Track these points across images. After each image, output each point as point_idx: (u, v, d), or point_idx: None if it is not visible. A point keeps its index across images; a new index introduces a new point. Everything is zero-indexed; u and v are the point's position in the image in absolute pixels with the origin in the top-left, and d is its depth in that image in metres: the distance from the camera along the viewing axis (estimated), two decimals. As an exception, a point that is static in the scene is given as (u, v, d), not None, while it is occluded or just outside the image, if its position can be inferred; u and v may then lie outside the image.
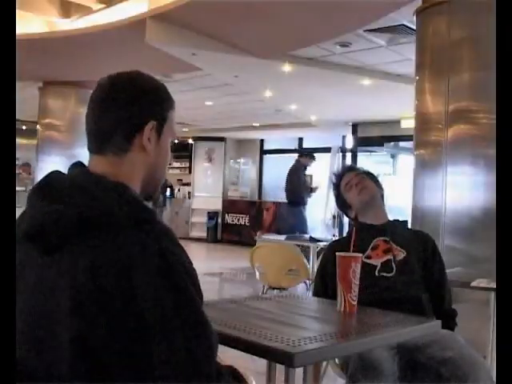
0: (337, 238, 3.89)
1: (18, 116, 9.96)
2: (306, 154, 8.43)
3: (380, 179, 2.44)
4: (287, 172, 8.22)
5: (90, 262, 0.92)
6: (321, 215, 10.53)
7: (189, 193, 13.98)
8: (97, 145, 1.08)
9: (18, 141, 10.92)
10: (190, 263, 0.99)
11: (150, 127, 1.07)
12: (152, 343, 0.90)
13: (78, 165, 1.08)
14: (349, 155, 11.07)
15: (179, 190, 14.28)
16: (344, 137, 11.36)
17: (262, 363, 1.51)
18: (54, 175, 1.05)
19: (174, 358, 0.91)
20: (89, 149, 1.10)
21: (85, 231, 0.94)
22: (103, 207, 0.96)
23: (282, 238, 5.72)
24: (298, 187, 7.92)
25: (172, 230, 1.00)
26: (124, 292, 0.90)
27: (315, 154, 8.54)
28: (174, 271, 0.94)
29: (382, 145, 10.26)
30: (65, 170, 1.06)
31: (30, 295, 0.97)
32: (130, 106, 1.06)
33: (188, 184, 14.10)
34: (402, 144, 10.16)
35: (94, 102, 1.09)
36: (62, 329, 0.91)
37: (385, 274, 2.11)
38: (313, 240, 5.40)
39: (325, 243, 4.97)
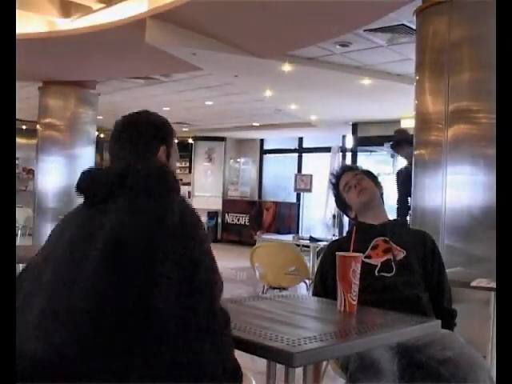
0: (337, 238, 3.88)
1: (17, 116, 9.97)
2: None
3: (380, 179, 2.44)
4: (400, 178, 6.12)
5: (124, 216, 1.14)
6: (321, 215, 10.53)
7: (189, 192, 13.96)
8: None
9: (18, 141, 10.92)
10: (204, 228, 1.27)
11: (163, 150, 1.44)
12: (159, 294, 1.09)
13: None
14: (349, 155, 11.07)
15: (179, 189, 14.25)
16: (344, 136, 11.36)
17: (261, 363, 1.50)
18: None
19: (184, 309, 1.14)
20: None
21: (126, 188, 1.18)
22: (145, 171, 1.22)
23: (282, 237, 5.72)
24: (405, 195, 5.75)
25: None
26: (145, 250, 1.10)
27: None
28: (191, 230, 1.19)
29: (381, 145, 10.23)
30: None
31: (69, 242, 1.16)
32: (147, 137, 1.42)
33: (188, 184, 14.09)
34: (402, 144, 10.13)
35: (115, 137, 1.42)
36: (86, 276, 1.06)
37: (385, 274, 2.11)
38: (313, 240, 5.40)
39: (325, 243, 4.97)
